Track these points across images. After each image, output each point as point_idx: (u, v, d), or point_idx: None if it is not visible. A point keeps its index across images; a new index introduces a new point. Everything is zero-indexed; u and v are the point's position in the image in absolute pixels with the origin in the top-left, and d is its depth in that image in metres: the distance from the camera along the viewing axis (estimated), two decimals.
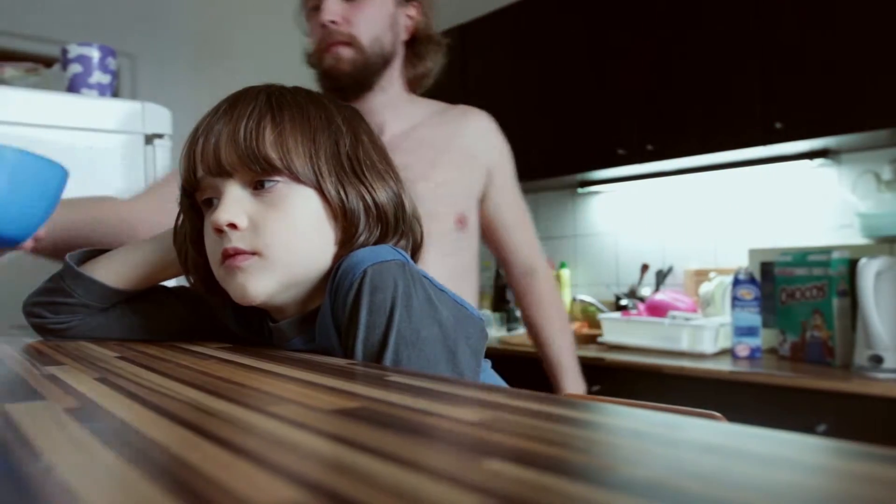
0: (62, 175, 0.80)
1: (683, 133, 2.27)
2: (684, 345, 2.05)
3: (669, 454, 0.27)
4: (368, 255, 0.61)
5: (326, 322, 0.64)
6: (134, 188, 1.39)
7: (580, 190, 2.86)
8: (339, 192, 0.66)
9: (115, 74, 1.49)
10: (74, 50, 1.43)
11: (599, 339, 2.29)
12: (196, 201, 0.71)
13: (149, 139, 1.41)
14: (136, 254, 0.79)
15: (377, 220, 0.68)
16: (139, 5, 2.85)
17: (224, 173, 0.65)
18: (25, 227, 0.77)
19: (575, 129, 2.57)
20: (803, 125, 2.00)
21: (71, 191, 1.33)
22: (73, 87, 1.42)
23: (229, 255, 0.64)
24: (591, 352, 2.18)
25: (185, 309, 0.81)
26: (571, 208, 2.97)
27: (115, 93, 1.48)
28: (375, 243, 0.68)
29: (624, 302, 2.55)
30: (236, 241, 0.64)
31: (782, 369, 1.77)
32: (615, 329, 2.25)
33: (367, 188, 0.68)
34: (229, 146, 0.65)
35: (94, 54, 1.43)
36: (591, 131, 2.52)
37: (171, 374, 0.50)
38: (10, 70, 1.46)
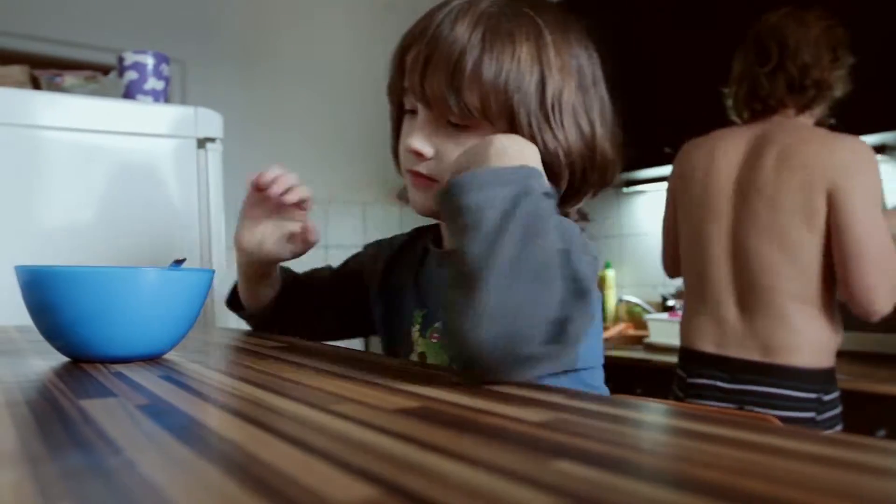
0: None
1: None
2: None
3: (736, 456, 0.27)
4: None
5: None
6: (186, 191, 1.42)
7: (625, 189, 2.83)
8: (533, 137, 0.66)
9: (169, 80, 1.53)
10: (130, 57, 1.47)
11: (646, 341, 2.26)
12: (401, 96, 0.73)
13: (201, 143, 1.44)
14: (239, 281, 0.89)
15: (567, 167, 0.70)
16: (188, 12, 2.93)
17: (424, 100, 0.68)
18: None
19: (619, 127, 2.53)
20: (857, 120, 1.94)
21: (128, 193, 1.38)
22: (129, 93, 1.46)
23: (413, 172, 0.71)
24: (638, 353, 2.16)
25: (343, 298, 0.92)
26: (616, 208, 2.93)
27: (168, 98, 1.52)
28: (565, 193, 0.72)
29: (671, 303, 2.51)
30: (420, 167, 0.70)
31: (838, 372, 1.72)
32: (662, 330, 2.21)
33: (563, 134, 0.69)
34: (433, 76, 0.66)
35: (149, 61, 1.47)
36: (636, 130, 2.47)
37: (232, 373, 0.51)
38: (70, 78, 1.51)
